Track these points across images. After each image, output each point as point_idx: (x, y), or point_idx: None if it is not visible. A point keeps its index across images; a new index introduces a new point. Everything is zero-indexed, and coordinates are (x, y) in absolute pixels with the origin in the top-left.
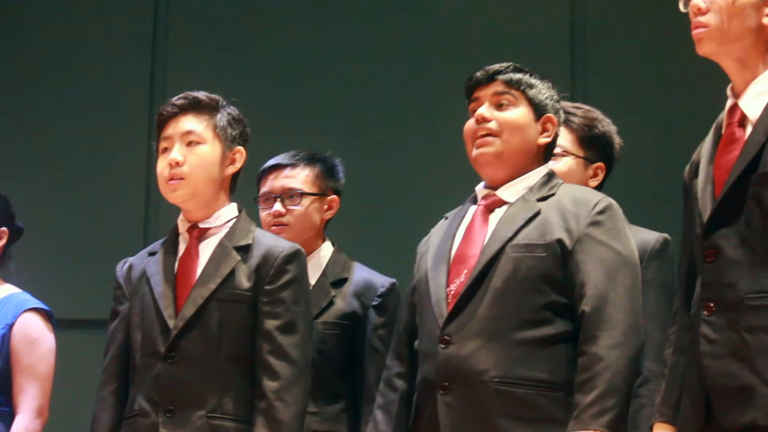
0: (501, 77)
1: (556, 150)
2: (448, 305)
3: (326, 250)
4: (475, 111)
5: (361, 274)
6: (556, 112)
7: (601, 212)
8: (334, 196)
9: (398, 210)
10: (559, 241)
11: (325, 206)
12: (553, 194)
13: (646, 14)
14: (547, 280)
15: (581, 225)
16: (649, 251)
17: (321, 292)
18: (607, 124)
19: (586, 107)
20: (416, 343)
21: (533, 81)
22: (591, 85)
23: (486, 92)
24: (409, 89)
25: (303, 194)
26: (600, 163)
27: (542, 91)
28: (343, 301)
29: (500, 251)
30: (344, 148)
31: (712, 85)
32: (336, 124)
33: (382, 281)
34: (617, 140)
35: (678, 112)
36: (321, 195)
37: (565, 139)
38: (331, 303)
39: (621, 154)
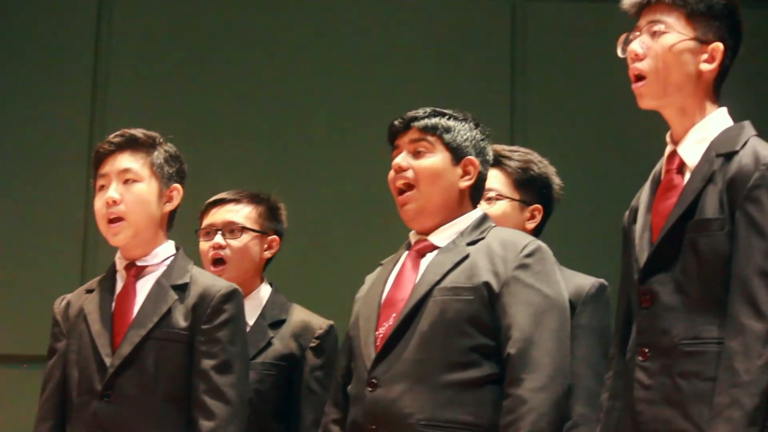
0: (416, 124)
1: (491, 194)
2: (375, 348)
3: (265, 290)
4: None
5: (299, 315)
6: (480, 153)
7: (529, 255)
8: (275, 237)
9: (337, 253)
10: (486, 284)
11: (265, 245)
12: (483, 238)
13: (586, 58)
14: (474, 323)
15: (509, 268)
16: (584, 296)
17: (259, 332)
18: (543, 166)
19: (523, 150)
20: (349, 387)
21: (451, 124)
22: (530, 129)
23: (404, 140)
24: (349, 133)
25: (244, 229)
26: (537, 205)
27: (461, 133)
28: (281, 343)
29: (428, 295)
30: (283, 191)
31: (651, 131)
32: (275, 167)
33: (320, 323)
34: (556, 181)
35: (618, 157)
36: (262, 233)
37: (500, 182)
38: (269, 344)
39: (561, 195)
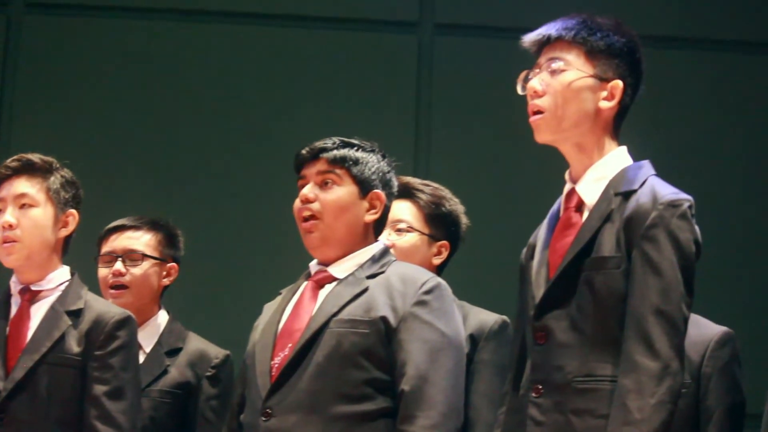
0: (325, 155)
1: (401, 225)
2: (271, 378)
3: (162, 318)
4: (302, 188)
5: (195, 344)
6: (386, 185)
7: (428, 292)
8: (173, 264)
9: (235, 282)
10: (384, 319)
11: (164, 272)
12: (383, 272)
13: (491, 96)
14: (369, 356)
15: (407, 304)
16: (486, 332)
17: (155, 360)
18: (454, 204)
19: (435, 185)
20: (242, 416)
21: (359, 155)
22: (433, 165)
23: (311, 170)
24: (250, 160)
25: (144, 256)
26: (445, 242)
27: (369, 166)
28: (177, 371)
29: (324, 326)
30: (183, 217)
31: (554, 168)
32: (176, 192)
33: (216, 352)
34: (464, 220)
35: (520, 193)
36: (161, 260)
37: (411, 215)
38: (165, 372)
39: (467, 234)
